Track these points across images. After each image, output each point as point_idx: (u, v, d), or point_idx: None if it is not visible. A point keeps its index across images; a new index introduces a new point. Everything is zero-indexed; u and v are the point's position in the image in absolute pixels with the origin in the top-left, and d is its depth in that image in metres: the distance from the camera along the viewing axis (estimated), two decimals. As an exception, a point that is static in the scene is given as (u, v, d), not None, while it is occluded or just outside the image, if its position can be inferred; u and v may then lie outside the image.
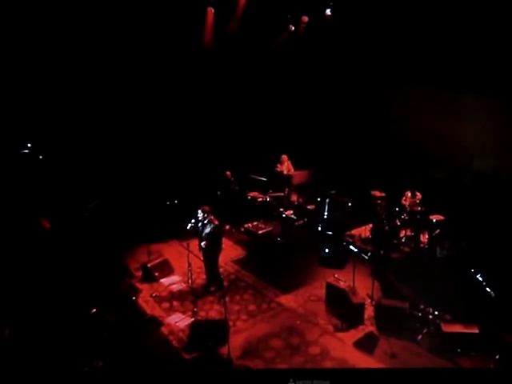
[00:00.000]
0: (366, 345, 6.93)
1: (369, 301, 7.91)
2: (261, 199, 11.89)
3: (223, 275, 8.95)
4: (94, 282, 8.33)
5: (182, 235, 9.70)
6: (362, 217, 10.84)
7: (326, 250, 9.52)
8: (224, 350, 6.68)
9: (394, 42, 11.26)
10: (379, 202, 10.51)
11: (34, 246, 8.73)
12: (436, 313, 7.25)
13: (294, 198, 12.64)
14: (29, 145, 11.20)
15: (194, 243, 8.56)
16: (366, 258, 8.46)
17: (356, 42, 12.17)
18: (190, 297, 8.23)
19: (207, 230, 8.21)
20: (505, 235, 8.89)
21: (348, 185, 11.73)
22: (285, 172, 12.42)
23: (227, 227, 11.29)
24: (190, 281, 8.57)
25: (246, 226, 11.04)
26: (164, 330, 7.41)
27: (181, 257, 9.48)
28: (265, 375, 6.27)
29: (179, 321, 7.60)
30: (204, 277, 8.83)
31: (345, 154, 13.12)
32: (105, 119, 11.93)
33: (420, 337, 6.95)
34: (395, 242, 10.07)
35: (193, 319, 7.58)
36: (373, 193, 10.74)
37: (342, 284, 7.79)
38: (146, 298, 8.37)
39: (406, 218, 10.04)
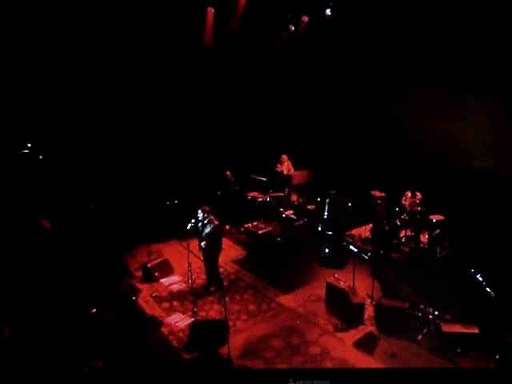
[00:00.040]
0: (366, 345, 6.93)
1: (369, 301, 7.91)
2: (261, 199, 11.89)
3: (223, 275, 8.95)
4: (94, 282, 8.33)
5: (182, 235, 9.70)
6: (362, 217, 10.84)
7: (326, 250, 9.52)
8: (224, 350, 6.68)
9: (393, 41, 11.26)
10: (379, 202, 10.51)
11: (34, 246, 8.72)
12: (436, 313, 7.25)
13: (294, 198, 12.64)
14: (29, 145, 11.21)
15: (193, 243, 8.56)
16: (366, 258, 8.46)
17: (356, 41, 12.17)
18: (190, 297, 8.23)
19: (207, 230, 8.21)
20: (505, 235, 8.88)
21: (348, 185, 11.73)
22: (285, 172, 12.42)
23: (227, 227, 11.30)
24: (189, 281, 8.57)
25: (246, 225, 11.04)
26: (164, 329, 7.41)
27: (181, 257, 9.48)
28: (265, 375, 6.27)
29: (179, 321, 7.60)
30: (204, 277, 8.83)
31: (345, 154, 13.11)
32: (105, 119, 11.94)
33: (420, 337, 6.95)
34: (395, 242, 10.07)
35: (193, 319, 7.58)
36: (373, 193, 10.74)
37: (341, 284, 7.79)
38: (146, 297, 8.37)
39: (406, 218, 10.05)
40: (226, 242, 9.71)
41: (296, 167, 12.57)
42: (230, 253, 10.00)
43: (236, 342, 6.94)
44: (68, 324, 7.09)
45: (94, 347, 6.66)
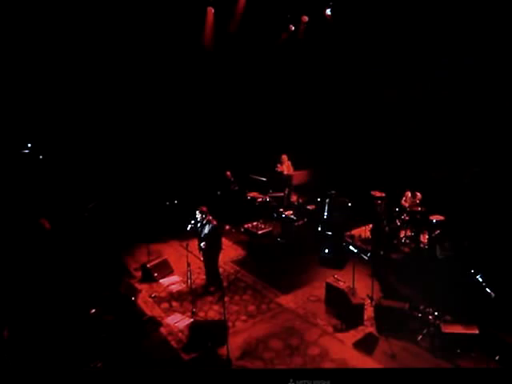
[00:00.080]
0: (365, 345, 6.91)
1: (368, 301, 7.88)
2: (261, 199, 11.88)
3: (223, 275, 8.94)
4: (94, 283, 8.32)
5: (182, 235, 9.68)
6: (362, 217, 10.83)
7: (326, 250, 9.51)
8: (223, 351, 6.66)
9: (393, 41, 11.24)
10: (379, 202, 10.50)
11: (33, 246, 8.72)
12: (436, 313, 7.21)
13: (294, 198, 12.63)
14: (29, 145, 11.21)
15: (193, 243, 8.56)
16: (366, 258, 8.44)
17: (356, 41, 12.16)
18: (190, 297, 8.22)
19: (206, 230, 8.21)
20: (505, 235, 8.86)
21: (348, 185, 11.72)
22: (285, 172, 12.41)
23: (227, 227, 11.30)
24: (189, 281, 8.55)
25: (245, 226, 11.02)
26: (163, 330, 7.39)
27: (180, 257, 9.47)
28: (265, 375, 6.24)
29: (178, 321, 7.59)
30: (203, 277, 8.83)
31: (345, 154, 13.10)
32: (105, 119, 11.94)
33: (420, 337, 6.93)
34: (395, 242, 10.07)
35: (192, 320, 7.58)
36: (373, 193, 10.73)
37: (341, 284, 7.78)
38: (145, 298, 8.37)
39: (406, 218, 10.04)
40: (225, 242, 9.72)
41: (296, 167, 12.57)
42: (229, 253, 10.00)
43: (235, 343, 6.93)
44: (67, 324, 7.08)
45: (93, 348, 6.65)
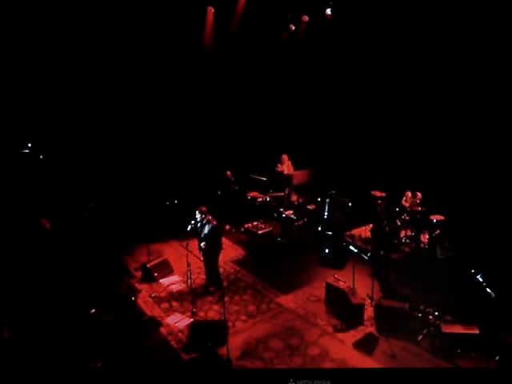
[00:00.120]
0: (365, 345, 6.90)
1: (369, 301, 7.87)
2: (261, 199, 11.87)
3: (223, 275, 8.93)
4: (94, 282, 8.32)
5: (182, 235, 9.68)
6: (362, 217, 10.83)
7: (326, 250, 9.50)
8: (223, 351, 6.66)
9: (394, 40, 11.24)
10: (379, 202, 10.49)
11: (34, 245, 8.71)
12: (436, 313, 7.21)
13: (294, 197, 12.62)
14: (29, 145, 11.21)
15: (193, 243, 8.56)
16: (366, 258, 8.44)
17: (356, 41, 12.15)
18: (190, 297, 8.21)
19: (206, 230, 8.21)
20: (505, 236, 8.85)
21: (348, 185, 11.71)
22: (285, 172, 12.41)
23: (227, 227, 11.30)
24: (189, 281, 8.55)
25: (246, 225, 11.00)
26: (163, 330, 7.39)
27: (180, 257, 9.46)
28: (265, 375, 6.25)
29: (178, 321, 7.59)
30: (203, 277, 8.82)
31: (345, 154, 13.09)
32: (105, 119, 11.94)
33: (420, 337, 6.92)
34: (395, 242, 10.06)
35: (192, 320, 7.57)
36: (373, 193, 10.72)
37: (341, 284, 7.77)
38: (145, 298, 8.36)
39: (407, 218, 10.03)
40: (225, 242, 9.71)
41: (296, 167, 12.56)
42: (229, 253, 9.99)
43: (235, 343, 6.92)
44: (67, 324, 7.08)
45: (92, 347, 6.65)
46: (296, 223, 10.92)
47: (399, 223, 10.11)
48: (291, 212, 11.10)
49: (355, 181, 11.90)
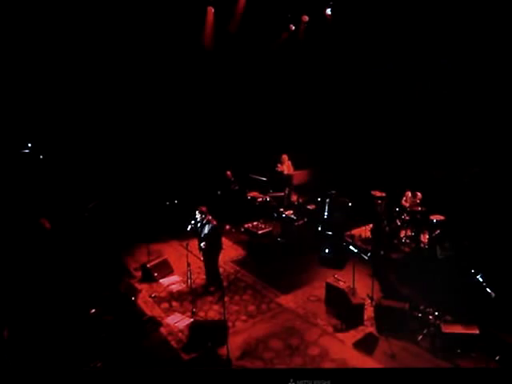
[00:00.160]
0: (365, 345, 6.90)
1: (369, 301, 7.87)
2: (261, 199, 11.87)
3: (223, 275, 8.93)
4: (94, 282, 8.32)
5: (182, 235, 9.68)
6: (362, 217, 10.82)
7: (326, 250, 9.50)
8: (223, 351, 6.66)
9: (394, 40, 11.24)
10: (379, 202, 10.49)
11: (34, 245, 8.72)
12: (436, 313, 7.22)
13: (294, 197, 12.62)
14: (29, 145, 11.21)
15: (193, 243, 8.56)
16: (366, 258, 8.43)
17: (356, 41, 12.15)
18: (190, 297, 8.21)
19: (206, 230, 8.21)
20: (505, 236, 8.85)
21: (348, 185, 11.71)
22: (285, 172, 12.41)
23: (227, 227, 11.29)
24: (189, 281, 8.54)
25: (246, 225, 11.00)
26: (163, 330, 7.39)
27: (180, 257, 9.46)
28: (266, 375, 6.25)
29: (178, 321, 7.59)
30: (203, 277, 8.82)
31: (345, 154, 13.09)
32: (105, 119, 11.94)
33: (420, 337, 6.92)
34: (395, 242, 10.06)
35: (192, 320, 7.57)
36: (373, 193, 10.71)
37: (341, 284, 7.77)
38: (145, 298, 8.36)
39: (407, 218, 10.03)
40: (225, 242, 9.70)
41: (296, 167, 12.56)
42: (229, 253, 9.99)
43: (235, 343, 6.92)
44: (67, 324, 7.08)
45: (92, 348, 6.65)
46: (296, 223, 10.92)
47: (399, 223, 10.11)
48: (291, 212, 11.09)
49: (355, 181, 11.90)
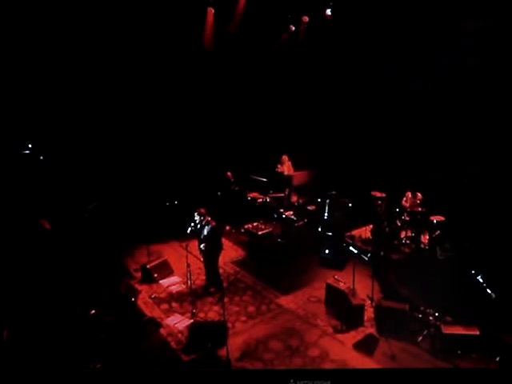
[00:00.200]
0: (365, 346, 6.89)
1: (369, 302, 7.87)
2: (261, 200, 11.87)
3: (223, 276, 8.93)
4: (94, 283, 8.32)
5: (182, 236, 9.67)
6: (363, 217, 10.81)
7: (326, 251, 9.49)
8: (223, 352, 6.65)
9: (394, 40, 11.24)
10: (379, 202, 10.48)
11: (34, 246, 8.72)
12: (436, 314, 7.20)
13: (295, 198, 12.61)
14: (29, 145, 11.21)
15: (193, 244, 8.56)
16: (366, 258, 8.43)
17: (356, 41, 12.15)
18: (189, 298, 8.20)
19: (205, 231, 8.21)
20: (505, 236, 8.84)
21: (348, 185, 11.70)
22: (285, 172, 12.40)
23: (227, 228, 11.28)
24: (189, 282, 8.53)
25: (246, 226, 11.01)
26: (163, 331, 7.38)
27: (180, 258, 9.44)
28: (266, 375, 6.25)
29: (178, 322, 7.58)
30: (203, 278, 8.82)
31: (345, 155, 13.08)
32: (105, 120, 11.94)
33: (420, 338, 6.91)
34: (395, 242, 10.05)
35: (192, 320, 7.56)
36: (373, 193, 10.70)
37: (341, 285, 7.76)
38: (145, 299, 8.36)
39: (407, 218, 10.02)
40: (225, 243, 9.69)
41: (296, 168, 12.55)
42: (229, 254, 9.98)
43: (235, 344, 6.92)
44: (67, 325, 7.08)
45: (92, 349, 6.65)
46: (296, 224, 10.92)
47: (399, 224, 10.09)
48: (291, 213, 11.09)
49: (355, 181, 11.89)
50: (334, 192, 11.10)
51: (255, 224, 11.04)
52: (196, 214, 8.32)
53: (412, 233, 10.04)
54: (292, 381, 5.46)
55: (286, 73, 13.56)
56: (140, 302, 8.20)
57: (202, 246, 8.31)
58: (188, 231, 8.50)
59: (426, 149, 11.40)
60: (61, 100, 11.30)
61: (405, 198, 10.34)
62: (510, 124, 9.86)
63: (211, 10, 11.09)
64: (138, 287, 8.70)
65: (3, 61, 10.03)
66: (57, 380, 6.15)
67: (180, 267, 9.18)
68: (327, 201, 10.90)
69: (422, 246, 9.73)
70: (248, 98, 13.76)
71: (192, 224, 8.41)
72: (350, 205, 11.01)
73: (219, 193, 11.95)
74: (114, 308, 7.56)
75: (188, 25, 11.36)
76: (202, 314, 7.80)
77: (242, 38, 12.00)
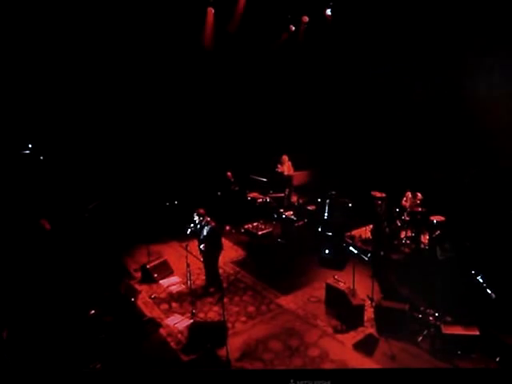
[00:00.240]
0: (365, 347, 6.88)
1: (369, 302, 7.86)
2: (261, 200, 11.88)
3: (222, 276, 8.93)
4: (94, 283, 8.32)
5: (182, 236, 9.67)
6: (363, 217, 10.81)
7: (326, 251, 9.49)
8: (223, 352, 6.65)
9: (394, 40, 11.23)
10: (379, 202, 10.47)
11: (34, 246, 8.72)
12: (436, 314, 7.20)
13: (295, 198, 12.61)
14: (30, 145, 11.22)
15: (193, 244, 8.56)
16: (366, 259, 8.43)
17: (356, 41, 12.14)
18: (189, 298, 8.20)
19: (205, 232, 8.21)
20: (505, 236, 8.83)
21: (348, 185, 11.70)
22: (285, 172, 12.40)
23: (227, 228, 11.28)
24: (189, 282, 8.52)
25: (246, 226, 11.02)
26: (163, 331, 7.38)
27: (180, 258, 9.41)
28: (266, 375, 6.25)
29: (178, 322, 7.58)
30: (203, 278, 8.82)
31: (345, 155, 13.08)
32: (105, 120, 11.94)
33: (420, 338, 6.90)
34: (395, 242, 10.04)
35: (191, 321, 7.56)
36: (373, 193, 10.70)
37: (341, 285, 7.76)
38: (144, 299, 8.36)
39: (407, 218, 10.01)
40: (225, 243, 9.69)
41: (296, 168, 12.55)
42: (229, 254, 9.98)
43: (235, 344, 6.92)
44: (66, 325, 7.08)
45: (92, 349, 6.64)
46: (296, 224, 10.92)
47: (399, 224, 10.09)
48: (291, 213, 11.10)
49: (355, 181, 11.89)
50: (333, 192, 11.11)
51: (255, 224, 11.05)
52: (195, 214, 8.33)
53: (412, 233, 10.03)
54: (292, 381, 5.46)
55: (285, 73, 13.56)
56: (140, 302, 8.21)
57: (201, 246, 8.30)
58: (188, 232, 8.51)
59: (425, 149, 11.39)
60: (61, 100, 11.31)
61: (405, 198, 10.34)
62: (510, 124, 9.85)
63: (211, 10, 11.10)
64: (138, 287, 8.71)
65: (3, 61, 10.04)
66: (57, 380, 6.14)
67: (180, 267, 9.17)
68: (327, 201, 10.91)
69: (422, 246, 9.72)
70: (248, 98, 13.76)
71: (192, 225, 8.41)
72: (350, 205, 11.02)
73: (219, 193, 11.95)
74: (114, 308, 7.56)
75: (188, 25, 11.36)
76: (201, 314, 7.79)
77: (242, 37, 12.00)
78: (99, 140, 11.87)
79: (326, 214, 10.82)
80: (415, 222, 9.87)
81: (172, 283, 8.86)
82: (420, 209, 9.92)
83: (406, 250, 9.88)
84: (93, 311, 7.31)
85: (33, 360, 6.39)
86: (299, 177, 12.75)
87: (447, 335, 6.58)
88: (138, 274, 9.15)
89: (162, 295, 8.47)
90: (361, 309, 7.48)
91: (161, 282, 8.89)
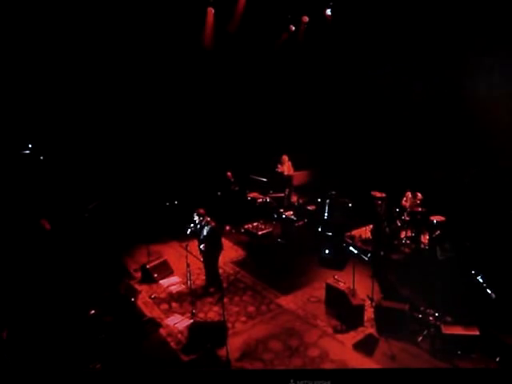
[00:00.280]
0: (365, 347, 6.88)
1: (369, 302, 7.86)
2: (261, 200, 11.88)
3: (222, 276, 8.93)
4: (94, 283, 8.32)
5: (182, 236, 9.67)
6: (363, 217, 10.81)
7: (326, 251, 9.49)
8: (223, 352, 6.65)
9: (394, 41, 11.23)
10: (379, 202, 10.48)
11: (34, 246, 8.72)
12: (436, 314, 7.20)
13: (295, 198, 12.61)
14: (30, 145, 11.22)
15: (193, 244, 8.56)
16: (366, 259, 8.42)
17: (356, 41, 12.14)
18: (189, 298, 8.20)
19: (205, 232, 8.21)
20: (505, 236, 8.83)
21: (348, 185, 11.70)
22: (285, 172, 12.40)
23: (227, 228, 11.28)
24: (189, 282, 8.52)
25: (246, 226, 11.02)
26: (163, 331, 7.38)
27: (180, 258, 9.41)
28: (266, 375, 6.25)
29: (178, 322, 7.58)
30: (203, 278, 8.82)
31: (345, 155, 13.08)
32: (105, 120, 11.94)
33: (420, 338, 6.90)
34: (395, 242, 10.03)
35: (191, 321, 7.56)
36: (373, 193, 10.70)
37: (341, 285, 7.75)
38: (144, 299, 8.36)
39: (407, 218, 10.01)
40: (225, 243, 9.69)
41: (296, 168, 12.55)
42: (229, 254, 9.98)
43: (235, 344, 6.91)
44: (66, 325, 7.08)
45: (92, 349, 6.64)
46: (296, 224, 10.92)
47: (399, 224, 10.08)
48: (291, 213, 11.10)
49: (355, 181, 11.89)
50: (333, 192, 11.11)
51: (255, 224, 11.04)
52: (195, 214, 8.33)
53: (412, 233, 10.03)
54: (292, 381, 5.46)
55: (285, 73, 13.56)
56: (140, 302, 8.21)
57: (201, 246, 8.30)
58: (188, 232, 8.51)
59: (425, 149, 11.39)
60: (61, 100, 11.31)
61: (405, 198, 10.33)
62: (510, 124, 9.85)
63: (211, 10, 11.09)
64: (138, 287, 8.71)
65: (3, 61, 10.04)
66: (57, 380, 6.14)
67: (180, 267, 9.17)
68: (327, 201, 10.91)
69: (422, 246, 9.72)
70: (248, 98, 13.76)
71: (192, 225, 8.41)
72: (350, 205, 11.02)
73: (219, 193, 11.95)
74: (114, 308, 7.57)
75: (188, 25, 11.36)
76: (201, 314, 7.79)
77: (242, 37, 12.00)
78: (99, 140, 11.87)
79: (325, 214, 10.82)
80: (415, 221, 9.87)
81: (172, 283, 8.86)
82: (420, 209, 9.92)
83: (406, 250, 9.87)
84: (93, 311, 7.31)
85: (33, 360, 6.39)
86: (299, 177, 12.75)
87: (447, 335, 6.57)
88: (138, 274, 9.15)
89: (162, 295, 8.47)
90: (361, 309, 7.48)
91: (161, 282, 8.89)
